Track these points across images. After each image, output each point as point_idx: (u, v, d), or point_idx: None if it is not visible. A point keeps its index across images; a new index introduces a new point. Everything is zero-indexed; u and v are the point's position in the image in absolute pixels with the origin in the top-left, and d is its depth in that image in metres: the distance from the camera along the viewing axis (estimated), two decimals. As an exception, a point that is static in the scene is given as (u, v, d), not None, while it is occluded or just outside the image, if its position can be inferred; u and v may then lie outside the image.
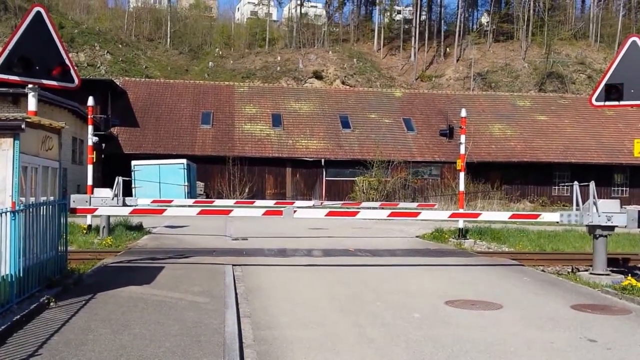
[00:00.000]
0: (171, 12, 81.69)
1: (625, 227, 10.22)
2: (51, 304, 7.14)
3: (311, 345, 6.02)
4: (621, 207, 10.45)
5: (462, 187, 17.23)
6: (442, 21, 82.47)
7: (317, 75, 67.65)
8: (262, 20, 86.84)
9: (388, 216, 11.80)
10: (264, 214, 10.97)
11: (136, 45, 73.50)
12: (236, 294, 8.31)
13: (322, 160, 36.88)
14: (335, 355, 5.69)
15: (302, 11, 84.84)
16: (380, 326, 6.81)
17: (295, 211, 10.54)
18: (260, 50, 76.55)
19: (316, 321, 7.02)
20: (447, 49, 76.37)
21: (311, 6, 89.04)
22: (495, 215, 13.32)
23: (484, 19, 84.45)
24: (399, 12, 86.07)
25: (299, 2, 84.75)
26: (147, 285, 8.56)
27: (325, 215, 11.01)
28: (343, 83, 66.04)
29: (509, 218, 11.99)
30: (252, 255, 12.31)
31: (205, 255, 11.85)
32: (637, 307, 8.11)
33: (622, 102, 9.97)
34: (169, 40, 77.78)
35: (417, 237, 17.56)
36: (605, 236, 10.31)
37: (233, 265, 10.58)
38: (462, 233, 16.72)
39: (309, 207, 16.49)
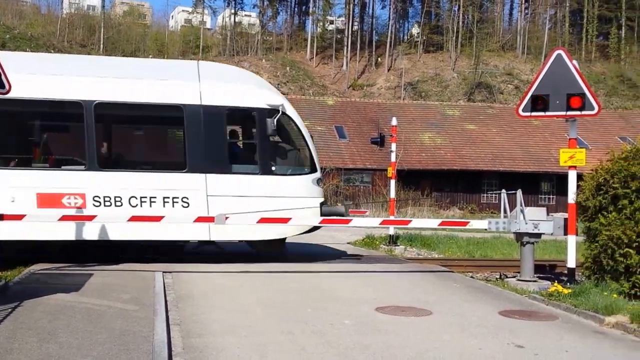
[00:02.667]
0: (105, 18, 79.80)
1: (552, 234, 10.47)
2: (-27, 313, 6.79)
3: (241, 352, 5.87)
4: (548, 215, 10.72)
5: (392, 195, 17.36)
6: (374, 32, 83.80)
7: (252, 82, 67.24)
8: (196, 28, 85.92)
9: (321, 222, 11.67)
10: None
11: (68, 51, 71.30)
12: (166, 301, 8.09)
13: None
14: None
15: (236, 20, 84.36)
16: (312, 333, 6.68)
17: (227, 217, 10.29)
18: (194, 57, 75.38)
19: (248, 328, 6.86)
20: (379, 59, 77.63)
21: (245, 15, 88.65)
22: (425, 222, 13.48)
23: (415, 30, 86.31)
24: (331, 22, 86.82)
25: (232, 10, 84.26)
26: (76, 293, 8.36)
27: (257, 222, 10.75)
28: (277, 90, 65.92)
29: (439, 225, 12.11)
30: (182, 261, 11.92)
31: (135, 262, 11.39)
32: (563, 312, 8.28)
33: (547, 113, 10.21)
34: (102, 46, 75.85)
35: (348, 243, 17.52)
36: (532, 243, 10.52)
37: (163, 272, 10.22)
38: (393, 240, 16.81)
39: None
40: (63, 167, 11.42)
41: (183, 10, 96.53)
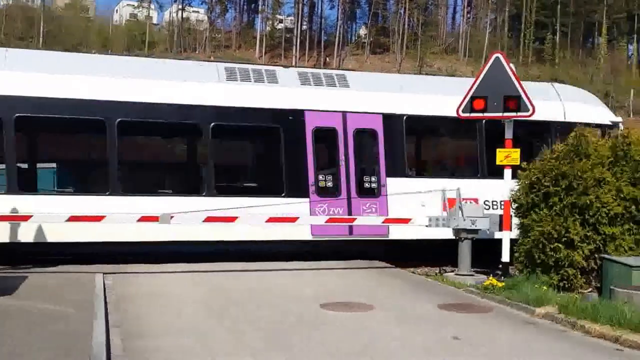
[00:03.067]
0: (45, 11, 77.19)
1: (488, 230, 10.93)
2: None
3: (185, 354, 5.87)
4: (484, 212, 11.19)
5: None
6: (322, 32, 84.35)
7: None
8: (142, 22, 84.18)
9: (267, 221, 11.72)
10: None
11: (6, 44, 68.54)
12: (106, 302, 7.94)
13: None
14: (208, 363, 5.57)
15: (184, 16, 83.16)
16: (257, 331, 6.78)
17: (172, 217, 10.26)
18: (140, 53, 73.96)
19: (191, 328, 6.86)
20: (327, 59, 78.20)
21: (193, 11, 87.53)
22: (371, 219, 13.66)
23: (362, 32, 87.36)
24: (280, 21, 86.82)
25: (180, 6, 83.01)
26: (10, 296, 8.03)
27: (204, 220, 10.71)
28: (225, 89, 65.42)
29: (383, 222, 12.37)
30: (122, 262, 11.79)
31: (71, 263, 11.18)
32: (496, 305, 8.68)
33: (485, 114, 10.65)
34: (41, 39, 73.34)
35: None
36: (470, 239, 10.95)
37: (104, 273, 10.08)
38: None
39: None
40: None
41: (128, 4, 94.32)
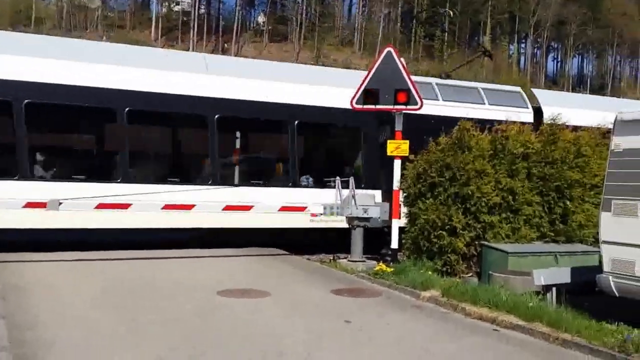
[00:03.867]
0: None
1: (379, 218, 11.38)
2: None
3: (75, 345, 5.71)
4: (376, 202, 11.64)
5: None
6: (221, 17, 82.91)
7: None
8: (28, -4, 78.52)
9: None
10: None
11: None
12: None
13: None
14: (101, 352, 5.45)
15: (74, -9, 78.61)
16: (152, 320, 6.71)
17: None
18: (26, 29, 69.02)
19: (84, 319, 6.68)
20: (226, 45, 77.03)
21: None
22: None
23: (261, 19, 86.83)
24: (177, 3, 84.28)
25: (69, -20, 78.38)
26: None
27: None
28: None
29: (279, 210, 12.54)
30: (10, 250, 11.13)
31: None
32: (386, 289, 9.12)
33: (377, 106, 11.05)
34: None
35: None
36: (363, 226, 11.36)
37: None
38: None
39: None
40: None
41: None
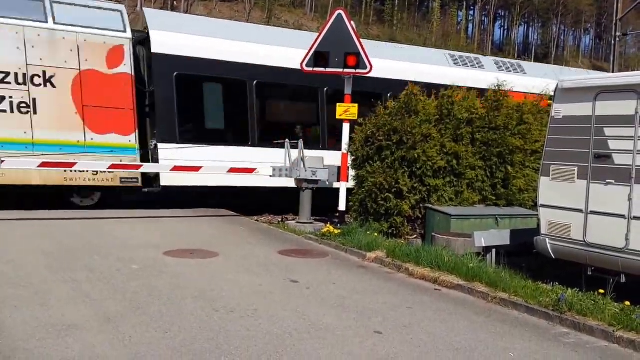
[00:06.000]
0: None
1: (327, 181, 11.50)
2: None
3: (21, 303, 5.64)
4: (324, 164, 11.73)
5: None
6: (169, -28, 79.97)
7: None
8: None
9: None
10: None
11: None
12: None
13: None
14: (46, 311, 5.39)
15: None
16: (97, 280, 6.66)
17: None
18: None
19: (26, 278, 6.58)
20: (175, 3, 74.63)
21: None
22: (215, 169, 13.68)
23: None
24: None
25: None
26: None
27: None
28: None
29: (229, 172, 12.47)
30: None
31: None
32: (333, 250, 9.29)
33: (327, 69, 11.04)
34: None
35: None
36: (311, 189, 11.45)
37: None
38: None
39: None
40: None
41: None
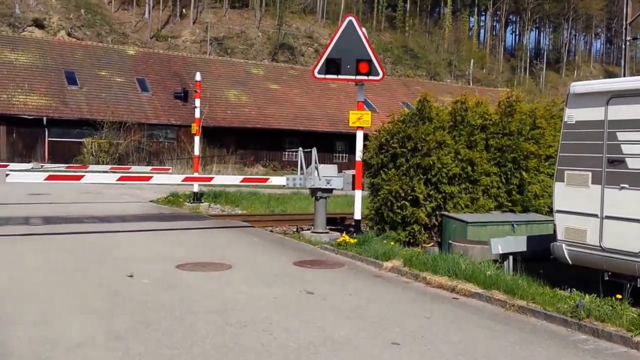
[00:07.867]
0: None
1: (342, 189, 11.43)
2: None
3: (27, 320, 5.56)
4: (339, 172, 11.67)
5: (197, 151, 17.39)
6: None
7: (38, 24, 60.77)
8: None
9: (118, 180, 11.37)
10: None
11: None
12: None
13: (44, 118, 33.50)
14: (54, 330, 5.35)
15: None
16: (107, 295, 6.59)
17: (7, 175, 9.54)
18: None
19: (36, 295, 6.51)
20: (184, 10, 75.14)
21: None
22: (228, 179, 13.75)
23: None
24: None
25: (15, -60, 74.74)
26: None
27: (45, 179, 10.11)
28: (69, 35, 60.55)
29: (241, 182, 12.50)
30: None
31: None
32: (349, 260, 9.19)
33: (339, 76, 10.98)
34: None
35: (151, 201, 17.23)
36: (325, 198, 11.40)
37: None
38: (197, 197, 16.93)
39: (27, 169, 14.99)
40: None
41: None
